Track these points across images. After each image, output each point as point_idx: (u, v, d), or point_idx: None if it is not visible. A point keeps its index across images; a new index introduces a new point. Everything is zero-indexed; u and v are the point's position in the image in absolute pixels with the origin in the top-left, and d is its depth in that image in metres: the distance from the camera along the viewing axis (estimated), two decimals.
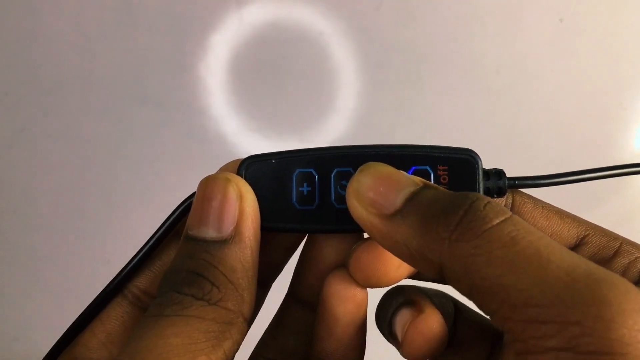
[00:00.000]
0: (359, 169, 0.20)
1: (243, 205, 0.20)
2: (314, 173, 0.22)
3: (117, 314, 0.23)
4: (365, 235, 0.24)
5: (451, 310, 0.25)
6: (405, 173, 0.20)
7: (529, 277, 0.16)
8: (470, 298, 0.18)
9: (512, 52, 0.52)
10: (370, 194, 0.20)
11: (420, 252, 0.18)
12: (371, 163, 0.21)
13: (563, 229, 0.23)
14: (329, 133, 0.52)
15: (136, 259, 0.23)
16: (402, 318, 0.23)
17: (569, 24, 0.52)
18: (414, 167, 0.22)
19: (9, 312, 0.51)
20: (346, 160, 0.22)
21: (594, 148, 0.53)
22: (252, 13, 0.51)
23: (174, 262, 0.20)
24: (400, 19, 0.52)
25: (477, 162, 0.23)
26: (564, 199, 0.25)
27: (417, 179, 0.20)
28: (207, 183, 0.21)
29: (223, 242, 0.20)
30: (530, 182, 0.24)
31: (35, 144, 0.51)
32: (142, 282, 0.23)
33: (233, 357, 0.19)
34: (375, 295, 0.24)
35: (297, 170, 0.22)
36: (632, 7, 0.53)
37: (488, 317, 0.17)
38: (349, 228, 0.22)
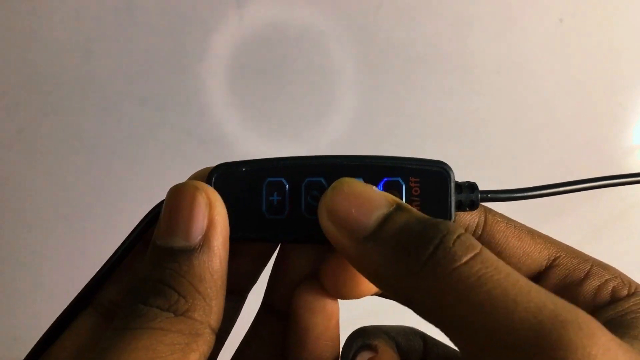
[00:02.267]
0: (331, 186, 0.20)
1: (212, 214, 0.20)
2: (285, 182, 0.22)
3: (87, 326, 0.23)
4: None
5: (419, 346, 0.25)
6: (378, 191, 0.20)
7: (497, 319, 0.16)
8: (440, 329, 0.18)
9: (512, 52, 0.52)
10: (343, 214, 0.19)
11: (389, 281, 0.18)
12: (344, 180, 0.20)
13: (534, 250, 0.23)
14: (329, 133, 0.52)
15: (104, 270, 0.23)
16: None
17: (568, 23, 0.52)
18: (385, 179, 0.22)
19: (9, 312, 0.51)
20: (317, 170, 0.22)
21: (593, 148, 0.53)
22: (252, 13, 0.51)
23: (141, 272, 0.20)
24: (401, 19, 0.52)
25: (449, 175, 0.22)
26: (533, 211, 0.24)
27: (390, 197, 0.20)
28: (176, 191, 0.20)
29: (191, 251, 0.20)
30: (503, 195, 0.23)
31: (35, 144, 0.51)
32: (112, 293, 0.23)
33: None
34: (348, 309, 0.24)
35: (268, 179, 0.22)
36: (632, 7, 0.53)
37: (458, 349, 0.18)
38: (320, 239, 0.21)
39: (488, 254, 0.17)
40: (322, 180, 0.22)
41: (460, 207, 0.22)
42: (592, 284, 0.22)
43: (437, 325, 0.17)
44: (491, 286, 0.16)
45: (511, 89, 0.53)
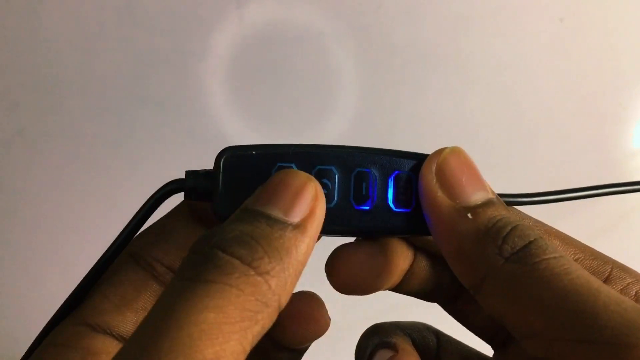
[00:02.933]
0: (448, 148, 0.21)
1: (315, 206, 0.19)
2: (295, 168, 0.22)
3: (130, 279, 0.22)
4: (348, 240, 0.23)
5: (433, 343, 0.25)
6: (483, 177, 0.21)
7: (581, 301, 0.17)
8: (500, 317, 0.18)
9: (513, 52, 0.52)
10: (451, 177, 0.20)
11: (471, 255, 0.19)
12: (460, 148, 0.21)
13: None
14: (329, 133, 0.52)
15: (137, 219, 0.22)
16: None
17: (569, 23, 0.52)
18: (397, 172, 0.22)
19: (9, 312, 0.51)
20: (329, 158, 0.22)
21: (593, 148, 0.53)
22: (252, 13, 0.51)
23: (221, 225, 0.19)
24: (401, 19, 0.52)
25: None
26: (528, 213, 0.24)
27: (491, 188, 0.21)
28: (290, 172, 0.20)
29: (287, 225, 0.19)
30: (508, 199, 0.23)
31: (35, 144, 0.51)
32: (156, 250, 0.23)
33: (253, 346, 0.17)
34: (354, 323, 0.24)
35: (278, 164, 0.22)
36: (633, 7, 0.53)
37: (521, 339, 0.18)
38: (327, 229, 0.21)
39: (570, 258, 0.19)
40: (333, 169, 0.22)
41: None
42: (614, 288, 0.22)
43: (503, 311, 0.18)
44: (575, 276, 0.17)
45: (511, 88, 0.52)
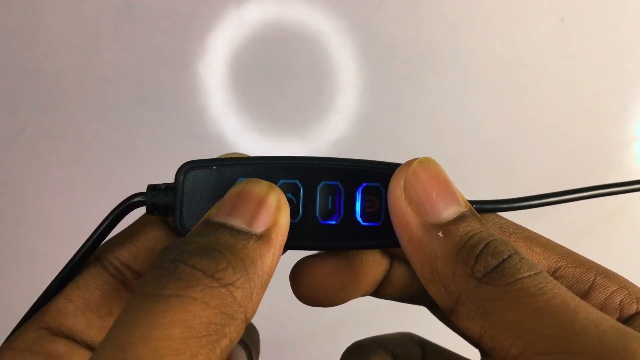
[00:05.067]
0: (418, 159, 0.20)
1: (278, 216, 0.19)
2: None
3: (96, 282, 0.22)
4: (310, 252, 0.23)
5: (417, 355, 0.25)
6: (456, 187, 0.20)
7: (557, 324, 0.16)
8: (478, 339, 0.18)
9: (513, 52, 0.52)
10: (421, 193, 0.19)
11: (442, 277, 0.18)
12: (432, 159, 0.20)
13: (533, 260, 0.22)
14: (329, 133, 0.51)
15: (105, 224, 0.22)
16: None
17: (570, 23, 0.52)
18: (365, 184, 0.21)
19: (9, 312, 0.51)
20: (293, 172, 0.21)
21: (594, 148, 0.53)
22: (252, 12, 0.51)
23: (183, 238, 0.18)
24: (401, 18, 0.52)
25: None
26: (512, 215, 0.23)
27: (464, 199, 0.20)
28: (252, 181, 0.20)
29: (250, 236, 0.18)
30: (489, 206, 0.22)
31: (35, 144, 0.51)
32: (125, 255, 0.22)
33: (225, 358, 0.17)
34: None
35: (239, 179, 0.21)
36: (634, 6, 0.53)
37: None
38: (291, 244, 0.21)
39: (547, 275, 0.18)
40: (298, 182, 0.21)
41: None
42: (598, 297, 0.21)
43: (479, 334, 0.17)
44: (552, 296, 0.17)
45: (511, 88, 0.52)
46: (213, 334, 0.16)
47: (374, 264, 0.23)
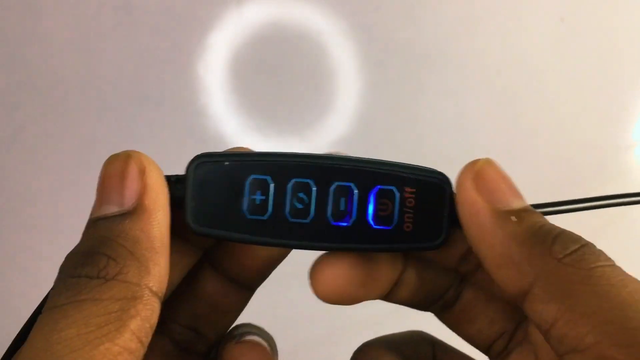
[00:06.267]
0: (483, 159, 0.20)
1: (146, 179, 0.19)
2: (270, 181, 0.21)
3: (159, 353, 0.22)
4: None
5: (429, 353, 0.24)
6: None
7: (638, 319, 0.16)
8: (548, 327, 0.17)
9: (513, 52, 0.52)
10: (491, 183, 0.19)
11: (518, 259, 0.18)
12: (491, 159, 0.20)
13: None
14: (329, 133, 0.51)
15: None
16: None
17: (570, 23, 0.52)
18: (379, 187, 0.21)
19: (9, 312, 0.51)
20: (306, 171, 0.21)
21: (595, 148, 0.53)
22: (252, 12, 0.51)
23: (72, 249, 0.19)
24: (401, 18, 0.52)
25: (447, 189, 0.21)
26: None
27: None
28: (108, 161, 0.19)
29: (124, 215, 0.18)
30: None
31: (35, 144, 0.51)
32: (184, 318, 0.23)
33: (149, 335, 0.17)
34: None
35: (252, 176, 0.21)
36: (634, 6, 0.53)
37: (564, 353, 0.17)
38: (301, 245, 0.20)
39: (622, 269, 0.18)
40: (311, 182, 0.21)
41: (455, 222, 0.21)
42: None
43: (553, 318, 0.17)
44: (634, 288, 0.16)
45: (511, 88, 0.52)
46: (114, 321, 0.16)
47: (390, 263, 0.23)
